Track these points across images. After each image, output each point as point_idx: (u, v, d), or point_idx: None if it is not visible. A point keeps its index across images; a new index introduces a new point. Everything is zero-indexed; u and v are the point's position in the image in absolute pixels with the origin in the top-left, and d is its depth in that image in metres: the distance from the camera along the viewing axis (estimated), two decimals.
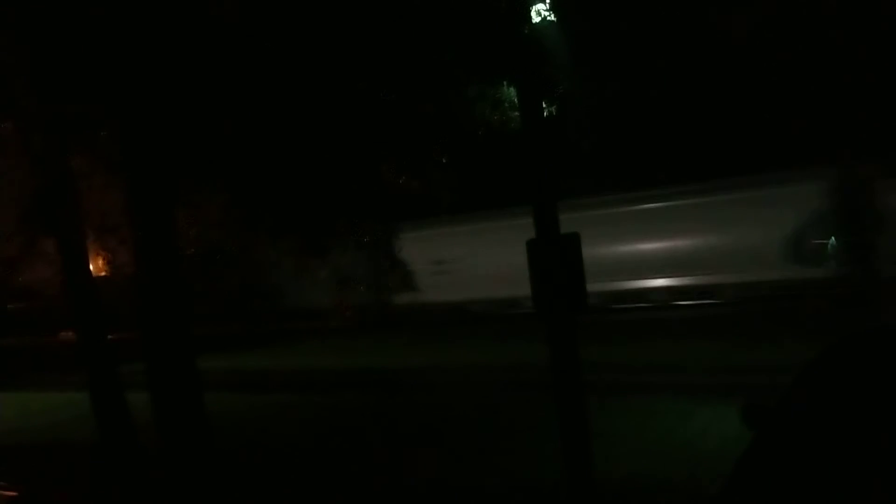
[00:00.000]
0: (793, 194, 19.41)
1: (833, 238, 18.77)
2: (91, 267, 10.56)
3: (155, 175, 9.04)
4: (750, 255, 19.86)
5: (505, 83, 10.69)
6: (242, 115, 9.35)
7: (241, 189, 9.97)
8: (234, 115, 9.31)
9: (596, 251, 15.15)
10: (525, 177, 7.60)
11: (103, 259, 15.72)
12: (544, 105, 8.61)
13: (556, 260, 7.17)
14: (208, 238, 11.14)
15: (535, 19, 8.16)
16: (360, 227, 11.24)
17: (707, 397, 10.91)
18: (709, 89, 22.29)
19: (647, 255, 21.33)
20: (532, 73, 7.34)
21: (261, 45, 9.34)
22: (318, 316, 24.06)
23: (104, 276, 16.49)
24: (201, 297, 20.71)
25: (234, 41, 9.07)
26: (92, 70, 9.03)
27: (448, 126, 10.96)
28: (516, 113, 8.45)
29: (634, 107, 23.19)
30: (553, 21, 9.77)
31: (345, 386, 15.92)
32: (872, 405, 4.82)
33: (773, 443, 4.95)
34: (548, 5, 8.60)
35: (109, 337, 10.55)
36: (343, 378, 16.77)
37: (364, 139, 10.08)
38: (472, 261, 23.55)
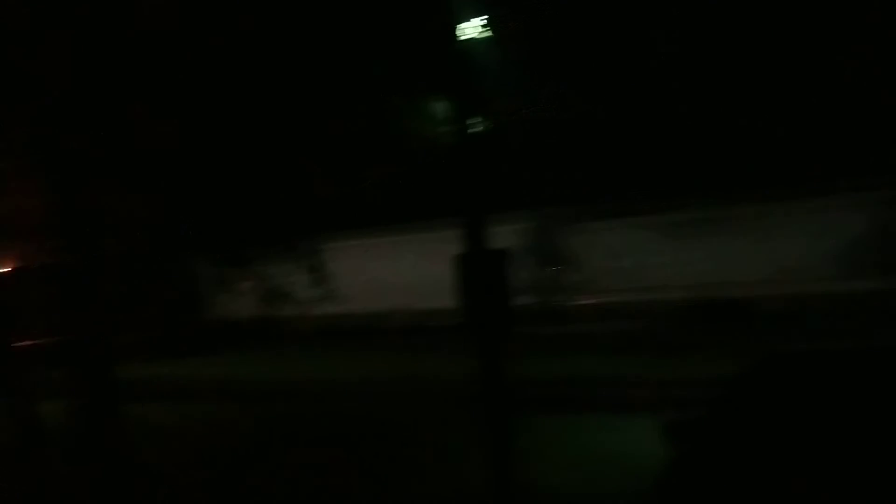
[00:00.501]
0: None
1: None
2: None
3: (68, 176, 8.80)
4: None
5: (439, 97, 10.69)
6: (159, 114, 9.13)
7: (160, 191, 9.70)
8: (150, 113, 9.07)
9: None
10: (455, 191, 7.61)
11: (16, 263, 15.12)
12: (477, 120, 8.62)
13: (484, 275, 7.19)
14: (127, 242, 10.80)
15: (471, 35, 8.19)
16: (285, 237, 11.06)
17: (633, 411, 11.06)
18: (635, 112, 22.76)
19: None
20: (465, 88, 7.37)
21: (189, 44, 9.15)
22: (243, 326, 23.69)
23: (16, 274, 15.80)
24: (120, 304, 20.07)
25: (158, 36, 8.86)
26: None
27: (379, 138, 10.90)
28: (450, 127, 8.46)
29: (568, 126, 23.50)
30: (489, 37, 9.82)
31: (266, 397, 15.66)
32: (788, 422, 4.96)
33: (693, 457, 5.05)
34: (483, 22, 8.65)
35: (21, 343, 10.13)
36: (264, 389, 16.51)
37: (292, 147, 9.94)
38: (398, 272, 23.68)
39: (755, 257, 19.94)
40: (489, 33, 8.37)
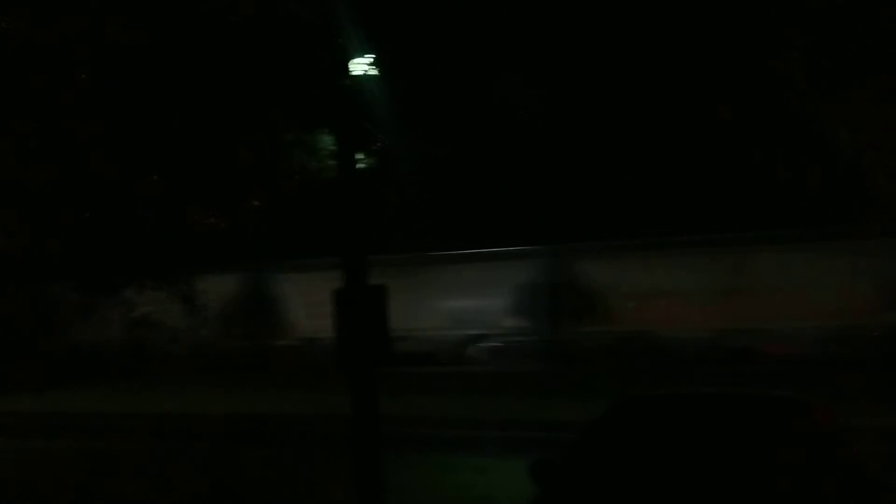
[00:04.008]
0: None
1: None
2: None
3: None
4: None
5: (324, 131, 10.71)
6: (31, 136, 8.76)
7: (28, 212, 9.24)
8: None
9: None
10: (336, 225, 7.60)
11: None
12: (361, 157, 8.68)
13: (361, 311, 7.18)
14: None
15: (357, 72, 8.27)
16: (159, 267, 10.72)
17: (503, 452, 11.19)
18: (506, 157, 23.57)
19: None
20: (349, 124, 7.41)
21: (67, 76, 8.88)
22: (111, 356, 22.77)
23: None
24: None
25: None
26: None
27: (262, 170, 10.80)
28: (333, 161, 8.48)
29: (450, 167, 23.97)
30: (375, 76, 9.95)
31: (121, 432, 14.96)
32: (647, 464, 5.17)
33: (555, 499, 5.17)
34: (370, 60, 8.76)
35: None
36: (121, 424, 15.78)
37: (170, 176, 9.71)
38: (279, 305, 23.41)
39: None
40: (375, 72, 8.49)
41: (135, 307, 11.56)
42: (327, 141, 10.52)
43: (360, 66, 8.39)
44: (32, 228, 9.53)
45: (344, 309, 7.20)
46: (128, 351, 23.06)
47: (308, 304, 22.29)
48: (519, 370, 20.01)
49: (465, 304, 21.43)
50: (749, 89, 20.12)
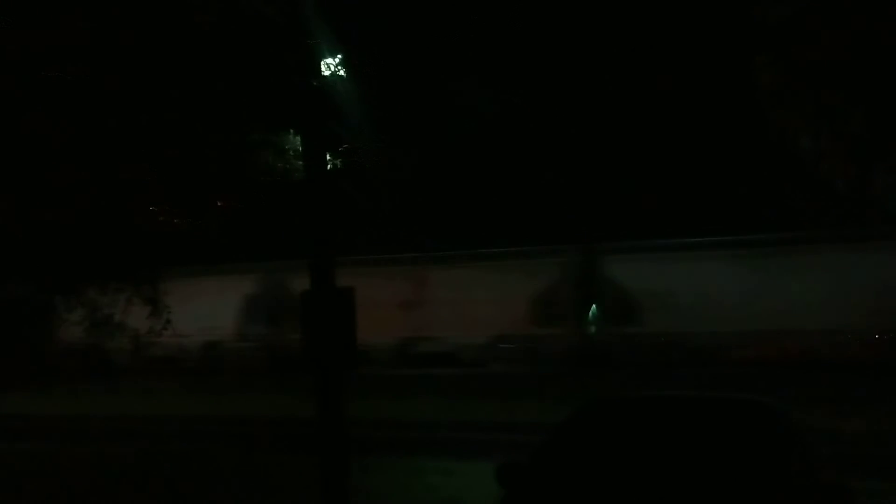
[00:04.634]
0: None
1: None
2: None
3: None
4: None
5: (291, 132, 10.62)
6: None
7: None
8: None
9: None
10: (304, 227, 7.55)
11: None
12: (329, 158, 8.62)
13: (329, 313, 7.14)
14: None
15: (325, 72, 8.23)
16: (121, 268, 10.55)
17: (469, 454, 11.19)
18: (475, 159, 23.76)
19: None
20: (317, 125, 7.37)
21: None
22: (73, 357, 22.51)
23: None
24: None
25: None
26: None
27: (228, 170, 10.67)
28: (301, 162, 8.41)
29: (421, 171, 24.06)
30: (343, 77, 9.90)
31: (86, 435, 14.74)
32: (612, 466, 5.21)
33: (521, 501, 5.19)
34: (337, 61, 8.72)
35: None
36: (84, 426, 15.56)
37: (132, 176, 9.55)
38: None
39: None
40: (342, 73, 8.46)
41: (97, 309, 11.36)
42: (295, 142, 10.44)
43: (329, 66, 8.36)
44: None
45: (311, 311, 7.16)
46: (89, 353, 22.76)
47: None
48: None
49: None
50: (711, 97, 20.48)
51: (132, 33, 8.78)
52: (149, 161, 9.60)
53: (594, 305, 21.14)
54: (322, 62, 7.97)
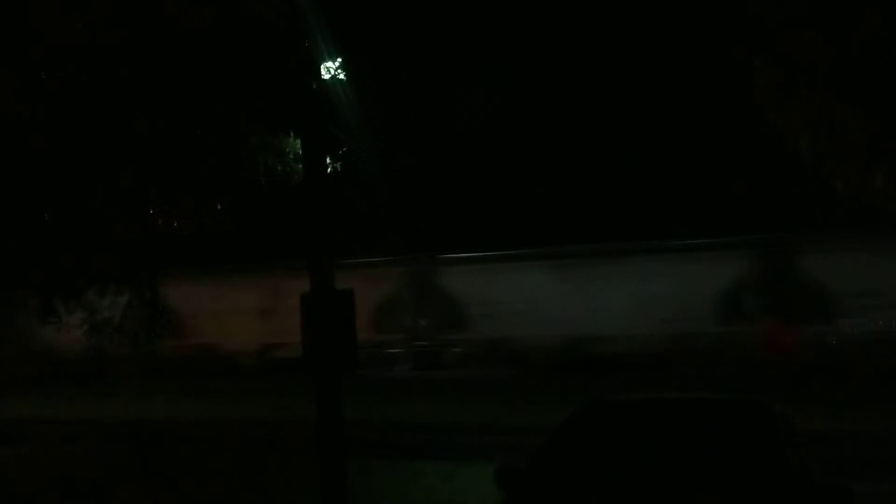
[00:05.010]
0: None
1: None
2: None
3: None
4: None
5: (290, 134, 10.63)
6: None
7: None
8: None
9: None
10: (303, 229, 7.56)
11: None
12: (328, 161, 8.64)
13: (329, 315, 7.15)
14: None
15: (325, 76, 8.25)
16: (119, 270, 10.56)
17: (469, 457, 11.17)
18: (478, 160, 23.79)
19: None
20: (317, 128, 7.39)
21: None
22: (71, 361, 22.46)
23: None
24: None
25: None
26: None
27: (228, 172, 10.68)
28: (300, 165, 8.42)
29: (417, 173, 24.07)
30: (342, 80, 9.93)
31: (89, 438, 14.73)
32: (611, 468, 5.21)
33: (520, 502, 5.20)
34: (337, 64, 8.74)
35: None
36: (88, 430, 15.55)
37: (132, 178, 9.55)
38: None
39: None
40: (342, 76, 8.47)
41: (96, 311, 11.37)
42: (294, 144, 10.45)
43: (328, 69, 8.37)
44: None
45: (310, 313, 7.17)
46: (88, 356, 22.73)
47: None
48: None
49: None
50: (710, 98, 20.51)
51: (130, 35, 8.80)
52: (147, 163, 9.61)
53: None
54: (321, 65, 7.99)
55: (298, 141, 9.93)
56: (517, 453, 6.38)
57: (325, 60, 8.11)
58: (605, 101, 22.51)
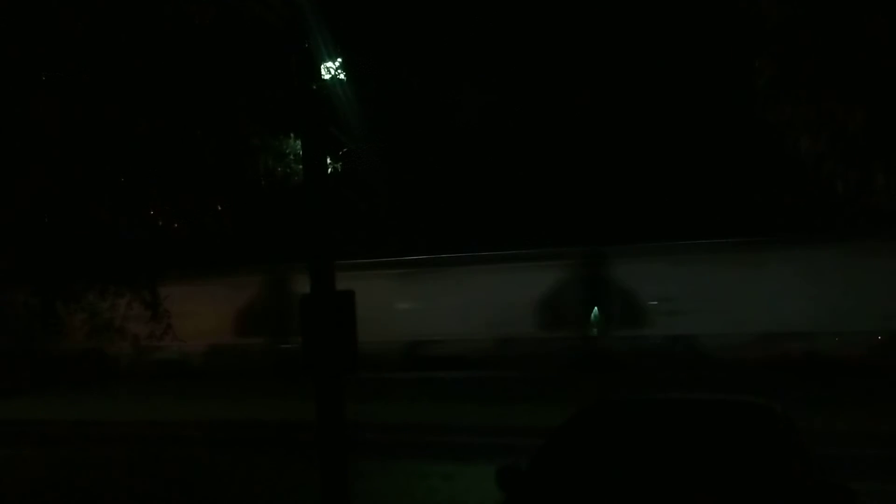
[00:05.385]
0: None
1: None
2: None
3: None
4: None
5: (291, 136, 10.62)
6: None
7: None
8: None
9: None
10: (303, 231, 7.55)
11: None
12: (328, 162, 8.62)
13: (329, 317, 7.13)
14: None
15: (325, 76, 8.22)
16: (121, 272, 10.54)
17: (471, 458, 11.17)
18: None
19: None
20: (318, 129, 7.37)
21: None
22: (71, 364, 22.54)
23: None
24: None
25: None
26: None
27: (228, 173, 10.67)
28: (300, 166, 8.41)
29: (416, 174, 24.08)
30: (342, 81, 9.90)
31: (88, 440, 14.73)
32: (613, 469, 5.19)
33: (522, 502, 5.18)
34: (338, 64, 8.72)
35: None
36: (88, 431, 15.56)
37: (131, 180, 9.54)
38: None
39: None
40: (342, 76, 8.44)
41: (97, 314, 11.36)
42: (294, 145, 10.44)
43: (328, 70, 8.35)
44: None
45: (310, 315, 7.15)
46: (89, 358, 22.71)
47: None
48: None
49: None
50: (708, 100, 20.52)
51: (129, 35, 8.79)
52: (147, 164, 9.59)
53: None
54: (322, 65, 7.96)
55: (299, 142, 9.91)
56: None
57: (325, 61, 8.08)
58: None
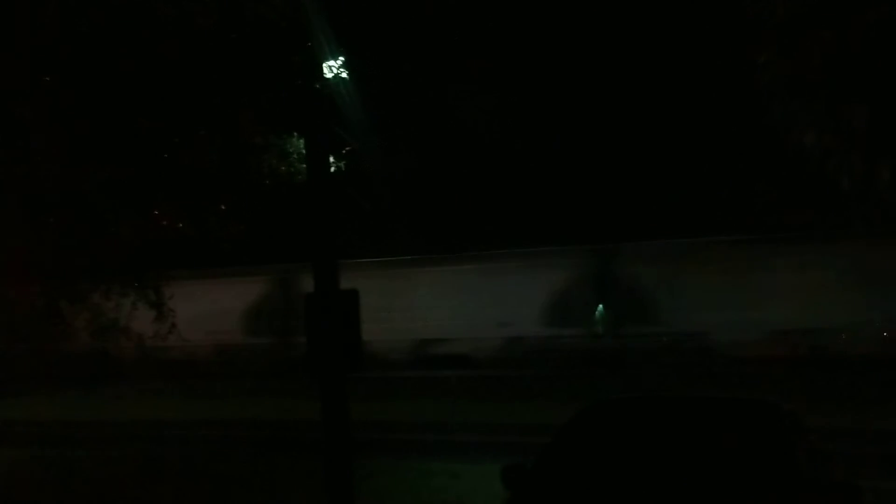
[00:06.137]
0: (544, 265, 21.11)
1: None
2: None
3: None
4: None
5: (294, 135, 10.63)
6: None
7: None
8: None
9: None
10: (307, 230, 7.54)
11: None
12: (332, 160, 8.62)
13: (333, 316, 7.12)
14: None
15: (328, 75, 8.23)
16: (126, 272, 10.56)
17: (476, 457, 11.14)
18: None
19: None
20: (321, 127, 7.36)
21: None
22: (77, 363, 22.54)
23: None
24: None
25: None
26: None
27: (232, 173, 10.68)
28: (304, 165, 8.41)
29: (419, 173, 24.08)
30: (345, 79, 9.89)
31: (79, 440, 14.74)
32: (617, 467, 5.18)
33: (527, 501, 5.18)
34: (340, 63, 8.72)
35: None
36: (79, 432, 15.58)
37: (137, 179, 9.55)
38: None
39: None
40: (345, 75, 8.45)
41: (101, 313, 11.38)
42: (298, 144, 10.44)
43: (330, 68, 8.35)
44: None
45: (314, 314, 7.15)
46: (94, 358, 22.75)
47: None
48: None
49: None
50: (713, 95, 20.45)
51: (133, 36, 8.80)
52: (152, 164, 9.61)
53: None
54: (324, 64, 7.97)
55: (302, 141, 9.91)
56: None
57: (327, 60, 8.08)
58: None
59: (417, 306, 21.97)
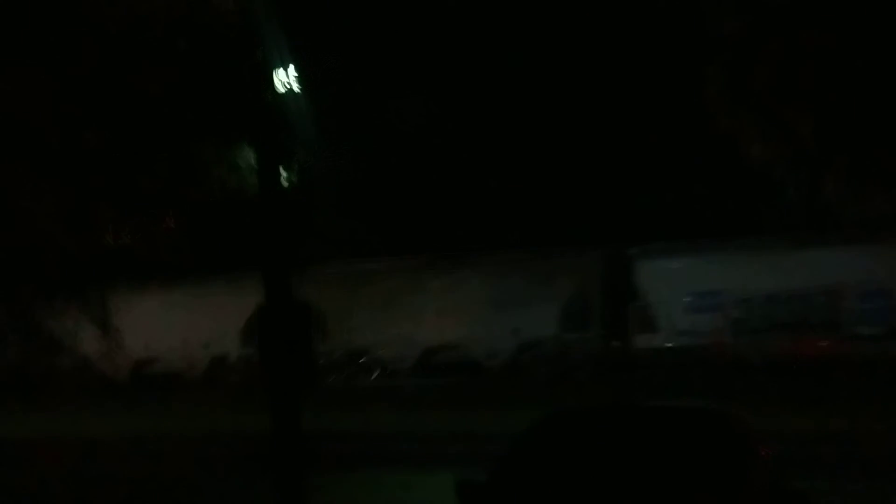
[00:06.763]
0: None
1: None
2: None
3: None
4: None
5: (244, 146, 10.48)
6: None
7: None
8: None
9: None
10: (258, 241, 7.43)
11: None
12: (282, 172, 8.50)
13: (286, 328, 7.02)
14: None
15: (280, 87, 8.11)
16: (68, 288, 10.29)
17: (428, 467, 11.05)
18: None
19: None
20: (271, 137, 7.27)
21: None
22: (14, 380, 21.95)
23: None
24: None
25: None
26: None
27: (178, 187, 10.48)
28: (255, 176, 8.29)
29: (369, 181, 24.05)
30: (297, 91, 9.78)
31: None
32: (569, 479, 5.17)
33: None
34: (291, 74, 8.60)
35: None
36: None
37: (76, 193, 9.32)
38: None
39: None
40: (296, 85, 8.35)
41: (42, 329, 11.06)
42: (248, 155, 10.29)
43: (282, 79, 8.25)
44: None
45: (266, 326, 7.04)
46: (35, 374, 22.13)
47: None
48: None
49: None
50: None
51: (78, 46, 8.61)
52: (93, 178, 9.40)
53: None
54: (275, 73, 7.85)
55: (252, 152, 9.78)
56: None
57: (279, 68, 7.97)
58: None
59: None
